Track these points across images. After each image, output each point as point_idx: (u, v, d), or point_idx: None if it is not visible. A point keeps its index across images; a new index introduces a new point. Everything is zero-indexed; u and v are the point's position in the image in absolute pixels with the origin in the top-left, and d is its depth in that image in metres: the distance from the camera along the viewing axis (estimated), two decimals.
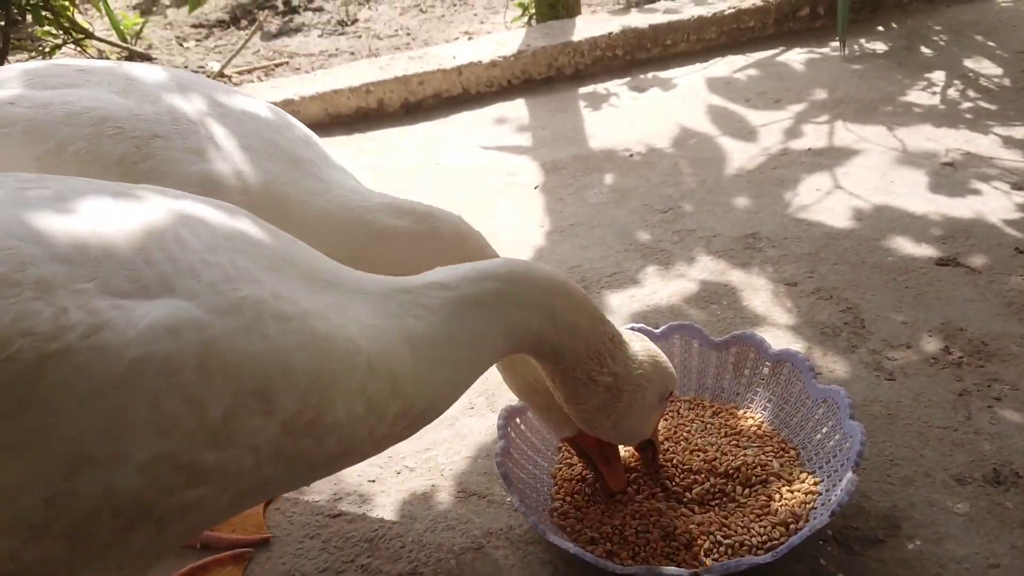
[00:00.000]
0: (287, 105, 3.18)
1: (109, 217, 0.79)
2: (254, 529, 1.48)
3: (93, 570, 0.72)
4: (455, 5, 4.73)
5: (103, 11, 4.24)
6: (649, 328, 1.67)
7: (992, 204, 2.32)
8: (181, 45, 4.45)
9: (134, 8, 4.97)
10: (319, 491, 1.56)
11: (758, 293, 2.02)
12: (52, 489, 0.66)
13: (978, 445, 1.53)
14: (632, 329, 1.66)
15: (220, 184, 1.16)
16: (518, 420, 1.52)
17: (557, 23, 3.61)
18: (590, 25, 3.51)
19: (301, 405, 0.81)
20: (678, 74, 3.31)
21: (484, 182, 2.72)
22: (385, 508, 1.52)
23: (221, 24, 4.72)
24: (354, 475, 1.59)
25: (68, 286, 0.70)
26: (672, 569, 1.20)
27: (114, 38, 4.19)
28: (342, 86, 3.21)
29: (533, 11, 3.87)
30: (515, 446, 1.47)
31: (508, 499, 1.48)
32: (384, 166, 2.92)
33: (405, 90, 3.27)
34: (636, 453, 1.46)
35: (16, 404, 0.65)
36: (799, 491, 1.38)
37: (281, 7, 4.86)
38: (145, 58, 4.12)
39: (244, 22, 4.69)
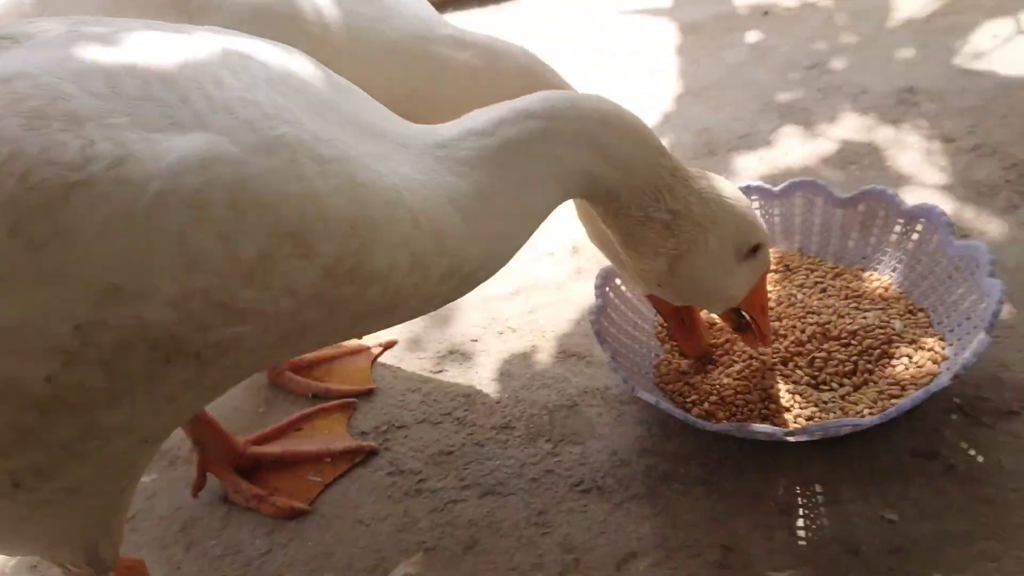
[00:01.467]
0: None
1: (150, 57, 0.79)
2: (361, 381, 1.54)
3: (137, 401, 0.74)
4: None
5: None
6: (766, 186, 1.53)
7: None
8: None
9: None
10: (423, 349, 1.59)
11: (907, 151, 1.81)
12: (81, 318, 0.69)
13: None
14: (748, 187, 1.54)
15: (270, 13, 1.13)
16: (618, 281, 1.46)
17: None
18: None
19: (340, 251, 0.79)
20: None
21: (618, 49, 2.58)
22: (485, 367, 1.53)
23: None
24: (457, 335, 1.60)
25: (98, 120, 0.71)
26: (763, 427, 1.12)
27: None
28: None
29: None
30: (613, 306, 1.42)
31: (606, 360, 1.45)
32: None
33: None
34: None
35: (41, 233, 0.67)
36: (922, 355, 1.24)
37: None
38: None
39: None
